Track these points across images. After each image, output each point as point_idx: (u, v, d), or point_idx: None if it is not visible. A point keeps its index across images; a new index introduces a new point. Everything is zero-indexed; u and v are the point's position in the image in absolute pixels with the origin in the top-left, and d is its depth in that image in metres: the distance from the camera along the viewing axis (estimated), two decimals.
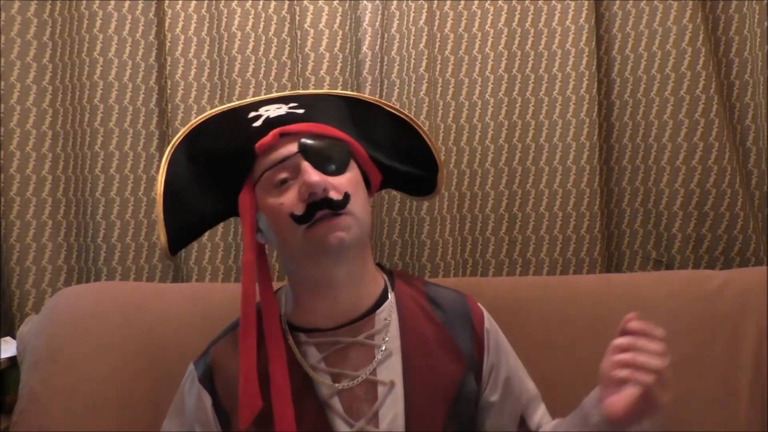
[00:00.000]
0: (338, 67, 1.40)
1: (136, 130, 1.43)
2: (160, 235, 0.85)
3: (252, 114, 0.87)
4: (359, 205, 0.82)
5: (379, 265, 0.95)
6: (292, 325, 0.87)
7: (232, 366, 0.83)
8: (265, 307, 0.84)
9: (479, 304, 0.95)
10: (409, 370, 0.83)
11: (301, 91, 0.98)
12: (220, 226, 1.42)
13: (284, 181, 0.81)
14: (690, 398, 1.06)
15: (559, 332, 1.12)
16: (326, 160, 0.81)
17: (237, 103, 0.93)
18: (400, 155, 0.95)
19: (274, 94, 0.94)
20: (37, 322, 1.16)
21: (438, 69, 1.40)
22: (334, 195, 0.79)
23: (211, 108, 1.42)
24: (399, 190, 1.09)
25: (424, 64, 1.36)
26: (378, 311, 0.87)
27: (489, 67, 1.40)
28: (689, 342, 1.08)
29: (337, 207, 0.79)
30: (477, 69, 1.40)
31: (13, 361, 1.25)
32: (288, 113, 0.86)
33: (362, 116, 0.94)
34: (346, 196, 0.80)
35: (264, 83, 1.42)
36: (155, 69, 1.44)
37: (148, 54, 1.43)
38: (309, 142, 0.82)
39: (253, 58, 1.41)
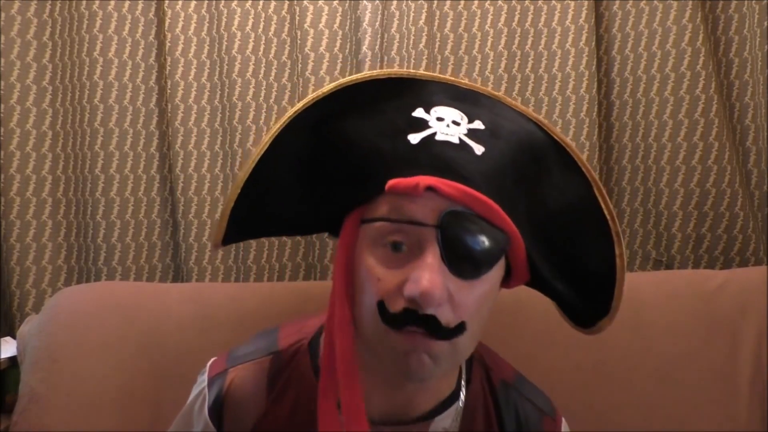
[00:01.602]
0: (338, 68, 1.40)
1: (136, 130, 1.43)
2: (222, 218, 0.66)
3: (419, 112, 0.63)
4: (472, 333, 0.60)
5: None
6: None
7: (246, 407, 0.70)
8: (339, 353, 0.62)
9: (562, 422, 0.74)
10: None
11: (504, 99, 0.68)
12: None
13: (397, 247, 0.59)
14: (690, 398, 1.06)
15: (559, 332, 1.11)
16: (466, 257, 0.57)
17: (413, 73, 0.67)
18: (566, 262, 0.68)
19: (465, 83, 0.68)
20: (37, 321, 1.16)
21: (438, 69, 1.40)
22: (445, 318, 0.57)
23: (211, 108, 1.42)
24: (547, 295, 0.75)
25: (424, 64, 1.36)
26: (437, 418, 0.68)
27: (489, 67, 1.40)
28: (689, 342, 1.08)
29: (441, 335, 0.57)
30: (477, 69, 1.40)
31: (13, 360, 1.25)
32: (460, 143, 0.60)
33: (553, 178, 0.66)
34: (460, 327, 0.58)
35: (264, 83, 1.42)
36: (155, 69, 1.44)
37: (148, 54, 1.43)
38: (455, 221, 0.57)
39: (253, 58, 1.41)
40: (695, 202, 1.32)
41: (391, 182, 0.57)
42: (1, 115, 1.38)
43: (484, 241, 0.57)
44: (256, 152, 0.65)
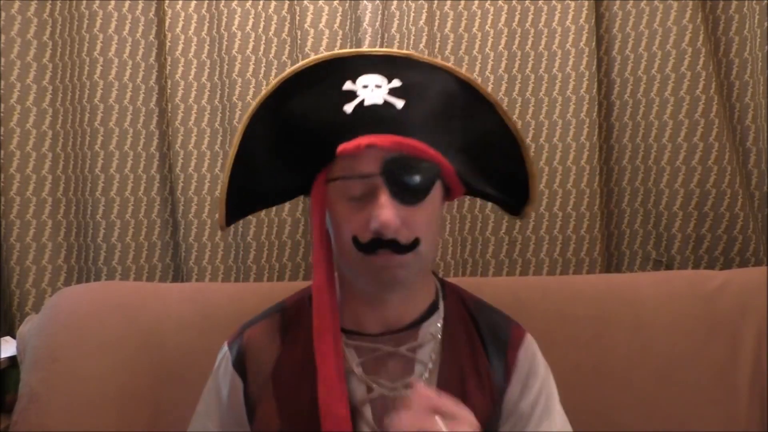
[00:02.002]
0: None
1: (136, 130, 1.43)
2: (221, 203, 0.79)
3: (348, 85, 0.77)
4: (427, 243, 0.76)
5: (432, 272, 0.90)
6: None
7: (264, 354, 0.83)
8: (321, 305, 0.78)
9: (527, 334, 0.87)
10: (442, 392, 0.74)
11: (413, 55, 0.81)
12: None
13: (357, 198, 0.75)
14: (690, 398, 1.06)
15: (559, 332, 1.11)
16: (408, 190, 0.73)
17: (337, 53, 0.80)
18: (493, 172, 0.85)
19: (380, 51, 0.81)
20: (37, 321, 1.16)
21: None
22: (403, 238, 0.73)
23: (211, 107, 1.43)
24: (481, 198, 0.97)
25: None
26: (424, 324, 0.82)
27: (489, 67, 1.40)
28: (689, 342, 1.08)
29: (403, 250, 0.74)
30: (477, 69, 1.40)
31: (13, 360, 1.25)
32: (385, 103, 0.75)
33: (468, 111, 0.82)
34: (416, 242, 0.74)
35: (264, 83, 1.42)
36: (155, 69, 1.44)
37: (148, 54, 1.43)
38: (394, 165, 0.73)
39: (253, 58, 1.41)
40: (695, 203, 1.32)
41: (339, 148, 0.73)
42: (1, 114, 1.38)
43: (417, 171, 0.73)
44: (236, 139, 0.79)
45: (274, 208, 1.42)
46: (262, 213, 1.41)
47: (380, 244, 0.73)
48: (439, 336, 0.82)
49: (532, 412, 0.82)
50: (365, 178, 0.73)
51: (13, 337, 1.31)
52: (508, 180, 0.86)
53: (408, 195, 0.73)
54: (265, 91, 0.81)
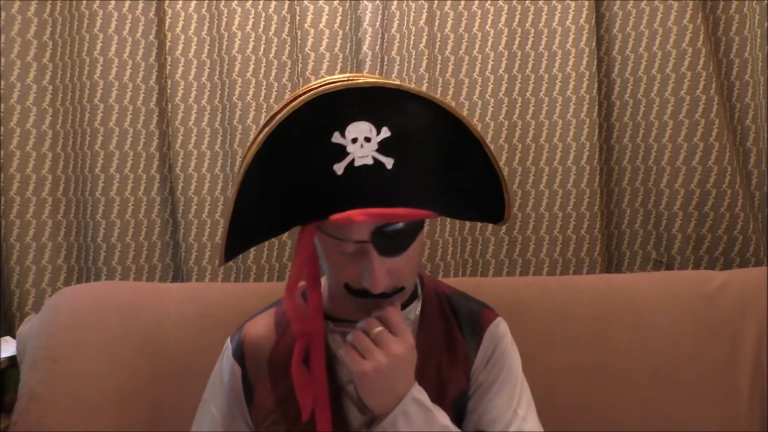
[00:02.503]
0: (338, 67, 1.40)
1: (136, 130, 1.43)
2: (222, 247, 0.82)
3: (336, 138, 0.76)
4: (410, 282, 0.83)
5: None
6: (323, 313, 0.88)
7: (261, 344, 0.90)
8: (310, 304, 0.85)
9: (498, 317, 0.94)
10: (420, 369, 0.83)
11: (403, 86, 0.79)
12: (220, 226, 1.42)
13: (350, 254, 0.80)
14: (690, 397, 1.06)
15: (559, 332, 1.12)
16: (396, 249, 0.79)
17: (324, 90, 0.76)
18: (472, 202, 0.89)
19: (369, 82, 0.78)
20: (36, 321, 1.16)
21: (438, 69, 1.40)
22: (390, 289, 0.80)
23: (211, 107, 1.43)
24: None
25: (424, 64, 1.36)
26: (404, 311, 0.88)
27: (489, 67, 1.40)
28: (689, 342, 1.08)
29: (389, 297, 0.80)
30: (477, 69, 1.40)
31: (12, 360, 1.25)
32: (375, 163, 0.76)
33: (454, 153, 0.84)
34: (401, 289, 0.81)
35: (264, 83, 1.42)
36: (155, 69, 1.44)
37: (149, 54, 1.43)
38: (383, 235, 0.77)
39: (253, 58, 1.41)
40: (695, 203, 1.32)
41: (332, 218, 0.74)
42: (1, 114, 1.38)
43: (404, 236, 0.78)
44: (235, 186, 0.79)
45: None
46: None
47: (370, 295, 0.79)
48: (418, 319, 0.90)
49: (492, 383, 0.88)
50: (356, 243, 0.78)
51: (13, 336, 1.31)
52: (486, 202, 0.90)
53: (395, 250, 0.79)
54: (259, 138, 0.79)
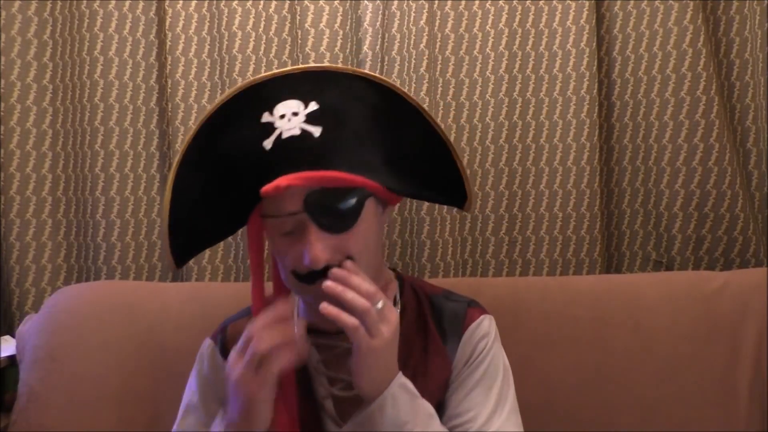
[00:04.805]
0: None
1: (137, 129, 1.43)
2: (167, 251, 0.82)
3: (266, 117, 0.77)
4: (365, 259, 0.79)
5: (393, 269, 0.95)
6: None
7: None
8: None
9: (483, 315, 0.91)
10: None
11: (329, 67, 0.82)
12: None
13: (290, 232, 0.77)
14: (690, 398, 1.06)
15: (559, 332, 1.12)
16: (334, 220, 0.75)
17: (254, 79, 0.80)
18: (426, 177, 0.86)
19: (297, 68, 0.81)
20: (36, 320, 1.16)
21: (438, 69, 1.40)
22: (336, 263, 0.76)
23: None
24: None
25: (424, 64, 1.36)
26: None
27: (489, 67, 1.40)
28: (689, 343, 1.08)
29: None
30: (477, 69, 1.40)
31: (12, 359, 1.25)
32: (302, 133, 0.75)
33: (392, 122, 0.82)
34: (348, 259, 0.77)
35: None
36: (155, 68, 1.44)
37: (149, 53, 1.43)
38: (316, 201, 0.74)
39: (254, 57, 1.41)
40: (695, 204, 1.32)
41: (261, 191, 0.72)
42: (2, 113, 1.38)
43: (342, 203, 0.74)
44: (168, 183, 0.81)
45: None
46: None
47: (317, 274, 0.75)
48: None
49: (468, 379, 0.86)
50: (292, 215, 0.75)
51: (13, 336, 1.31)
52: (444, 181, 0.88)
53: (336, 224, 0.75)
54: (189, 134, 0.82)
